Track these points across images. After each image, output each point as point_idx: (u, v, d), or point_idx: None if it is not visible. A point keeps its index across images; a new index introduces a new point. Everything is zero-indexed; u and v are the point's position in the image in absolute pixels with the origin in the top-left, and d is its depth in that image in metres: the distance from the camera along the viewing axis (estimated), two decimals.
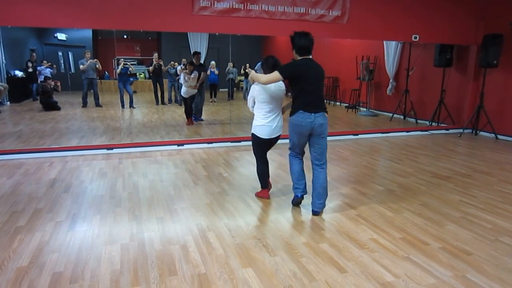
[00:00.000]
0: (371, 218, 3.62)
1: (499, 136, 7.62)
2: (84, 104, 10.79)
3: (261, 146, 3.99)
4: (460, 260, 2.87)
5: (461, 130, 8.11)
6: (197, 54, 8.78)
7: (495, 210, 3.88)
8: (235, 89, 12.91)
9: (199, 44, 12.25)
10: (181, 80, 8.52)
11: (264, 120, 3.83)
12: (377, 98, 11.08)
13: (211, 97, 12.18)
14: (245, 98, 13.15)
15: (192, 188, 4.44)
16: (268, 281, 2.55)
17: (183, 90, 8.53)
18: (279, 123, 3.90)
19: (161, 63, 11.45)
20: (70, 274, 2.61)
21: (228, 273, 2.65)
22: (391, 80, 10.21)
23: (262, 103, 3.82)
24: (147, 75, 13.60)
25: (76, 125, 8.25)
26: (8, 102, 10.40)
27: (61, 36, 12.75)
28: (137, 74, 13.42)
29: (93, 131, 7.52)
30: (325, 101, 12.64)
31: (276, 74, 3.55)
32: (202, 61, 8.84)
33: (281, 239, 3.18)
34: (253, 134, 3.95)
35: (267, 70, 3.78)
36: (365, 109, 10.86)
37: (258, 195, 4.18)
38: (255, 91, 3.82)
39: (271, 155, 4.44)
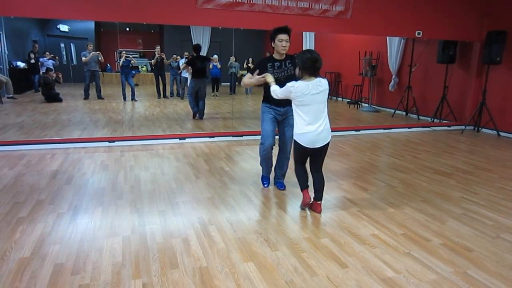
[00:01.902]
0: (372, 214, 3.63)
1: (501, 133, 7.61)
2: (86, 96, 10.79)
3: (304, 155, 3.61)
4: (461, 257, 2.87)
5: (463, 127, 8.09)
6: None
7: (496, 207, 3.88)
8: (237, 83, 12.89)
9: (201, 37, 12.20)
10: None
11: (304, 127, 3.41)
12: (379, 94, 11.06)
13: (213, 91, 12.18)
14: (246, 93, 13.15)
15: (194, 181, 4.45)
16: (269, 276, 2.56)
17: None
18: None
19: (163, 56, 11.43)
20: (71, 266, 2.62)
21: (230, 267, 2.65)
22: (393, 76, 10.18)
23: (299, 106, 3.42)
24: (149, 68, 13.57)
25: (78, 117, 8.25)
26: (6, 96, 10.37)
27: (64, 27, 12.72)
28: (139, 67, 13.39)
29: (95, 123, 7.52)
30: (328, 96, 12.73)
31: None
32: (204, 54, 8.66)
33: (282, 234, 3.18)
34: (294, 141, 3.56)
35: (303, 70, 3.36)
36: (367, 105, 10.83)
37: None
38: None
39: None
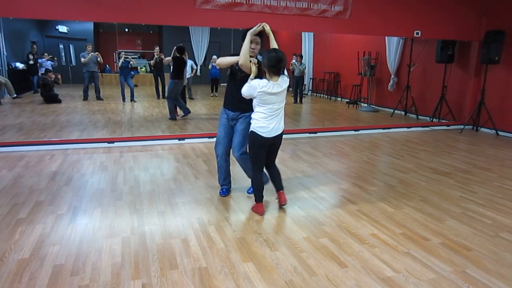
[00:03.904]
0: (371, 214, 3.63)
1: (500, 133, 7.62)
2: (85, 97, 10.79)
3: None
4: (460, 256, 2.88)
5: (462, 126, 8.10)
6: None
7: (495, 206, 3.89)
8: None
9: (200, 38, 12.21)
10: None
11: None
12: (378, 93, 11.07)
13: (212, 91, 12.19)
14: None
15: (193, 182, 4.45)
16: (269, 276, 2.56)
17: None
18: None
19: (162, 56, 11.42)
20: (71, 267, 2.62)
21: (229, 267, 2.65)
22: (392, 76, 10.19)
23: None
24: (148, 69, 13.58)
25: (77, 118, 8.25)
26: (8, 95, 10.39)
27: (62, 28, 12.71)
28: (138, 67, 13.39)
29: (94, 124, 7.52)
30: (327, 96, 12.72)
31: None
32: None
33: (281, 234, 3.18)
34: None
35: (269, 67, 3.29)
36: (366, 105, 10.84)
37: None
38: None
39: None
